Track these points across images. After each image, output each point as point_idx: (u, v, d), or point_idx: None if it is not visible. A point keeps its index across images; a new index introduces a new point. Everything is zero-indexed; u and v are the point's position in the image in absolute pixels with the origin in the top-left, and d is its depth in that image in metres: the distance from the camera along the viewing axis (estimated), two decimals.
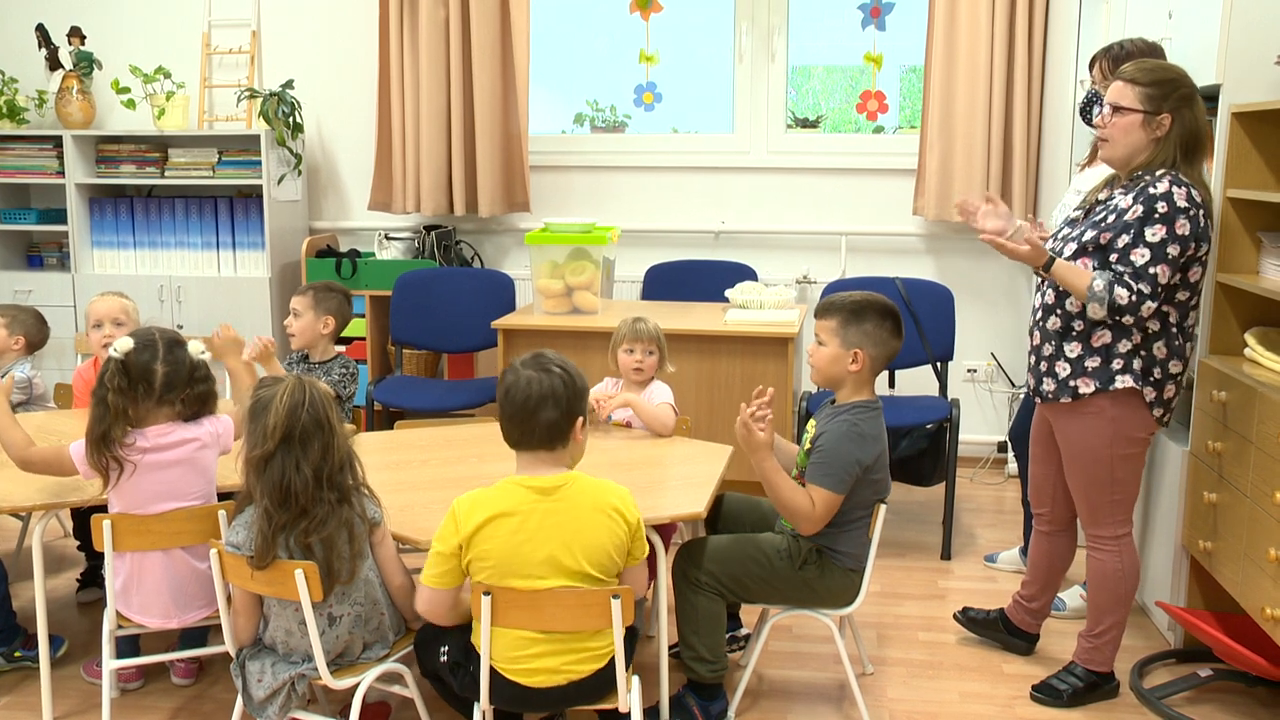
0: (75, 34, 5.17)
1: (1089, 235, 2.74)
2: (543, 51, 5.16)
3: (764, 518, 2.95)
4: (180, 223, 5.10)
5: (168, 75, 5.06)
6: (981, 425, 5.03)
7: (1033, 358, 2.91)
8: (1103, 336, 2.74)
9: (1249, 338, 2.93)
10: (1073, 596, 3.45)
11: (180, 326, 4.84)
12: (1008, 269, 4.88)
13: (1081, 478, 2.85)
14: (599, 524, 2.26)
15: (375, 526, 2.42)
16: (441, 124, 4.99)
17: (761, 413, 2.62)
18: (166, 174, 5.06)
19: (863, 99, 5.05)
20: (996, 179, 4.65)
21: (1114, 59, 3.19)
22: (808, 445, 2.75)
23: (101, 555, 2.62)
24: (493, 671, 2.27)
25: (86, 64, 5.15)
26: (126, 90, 5.06)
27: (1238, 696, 2.95)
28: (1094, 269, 2.70)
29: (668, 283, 4.78)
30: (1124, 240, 2.66)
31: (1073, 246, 2.77)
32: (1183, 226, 2.62)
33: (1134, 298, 2.63)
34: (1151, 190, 2.65)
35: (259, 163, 4.93)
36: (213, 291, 5.04)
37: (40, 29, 5.14)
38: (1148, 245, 2.63)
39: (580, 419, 2.33)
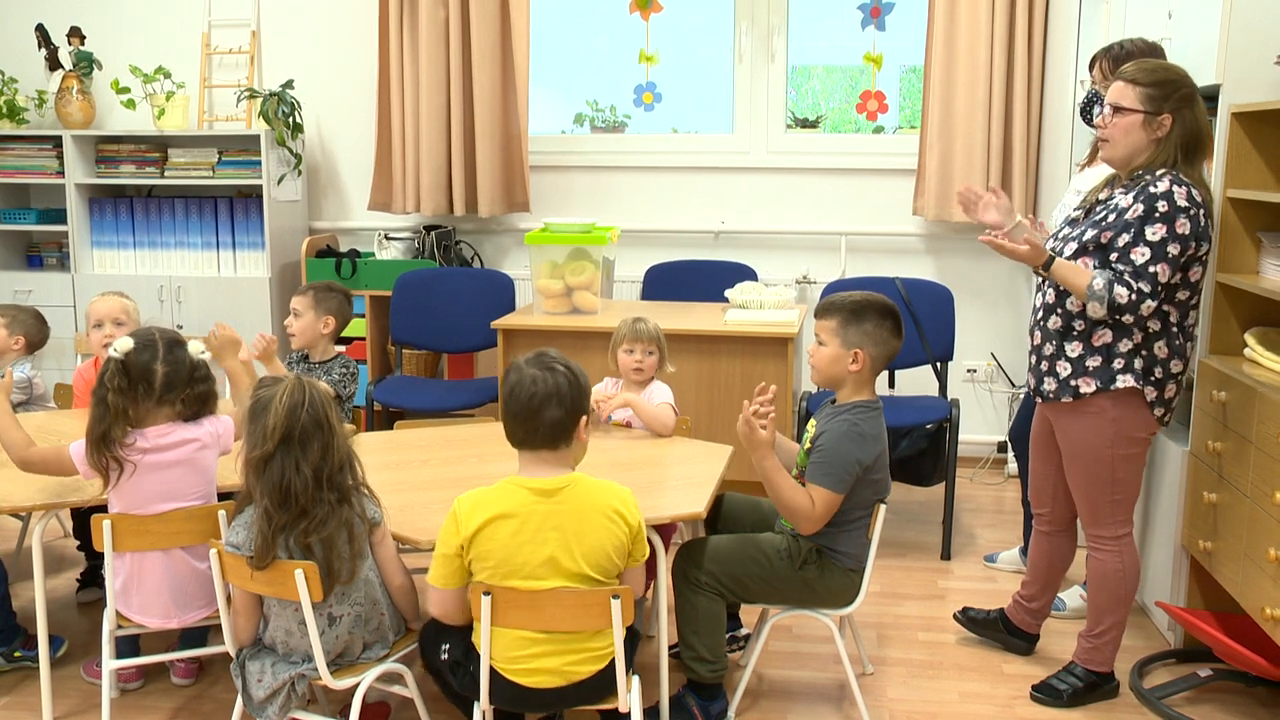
0: (75, 34, 5.17)
1: (1089, 234, 2.74)
2: (543, 51, 5.16)
3: (764, 518, 2.95)
4: (180, 223, 5.10)
5: (168, 75, 5.06)
6: (981, 425, 5.03)
7: (1033, 357, 2.91)
8: (1103, 336, 2.74)
9: (1249, 338, 2.93)
10: (1073, 596, 3.45)
11: (180, 326, 4.84)
12: (1008, 269, 4.88)
13: (1082, 477, 2.85)
14: (600, 526, 2.26)
15: (375, 526, 2.42)
16: (441, 124, 4.98)
17: (764, 410, 2.62)
18: (166, 174, 5.06)
19: (862, 99, 5.05)
20: (996, 179, 4.65)
21: (1114, 59, 3.19)
22: (808, 445, 2.74)
23: (101, 555, 2.62)
24: (493, 671, 2.27)
25: (86, 64, 5.15)
26: (126, 90, 5.06)
27: (1238, 696, 2.95)
28: (1094, 268, 2.70)
29: (667, 283, 4.78)
30: (1124, 239, 2.66)
31: (1073, 246, 2.77)
32: (1183, 225, 2.62)
33: (1134, 296, 2.63)
34: (1152, 189, 2.65)
35: (259, 163, 4.93)
36: (213, 291, 5.04)
37: (40, 29, 5.13)
38: (1148, 244, 2.63)
39: (584, 418, 2.33)
